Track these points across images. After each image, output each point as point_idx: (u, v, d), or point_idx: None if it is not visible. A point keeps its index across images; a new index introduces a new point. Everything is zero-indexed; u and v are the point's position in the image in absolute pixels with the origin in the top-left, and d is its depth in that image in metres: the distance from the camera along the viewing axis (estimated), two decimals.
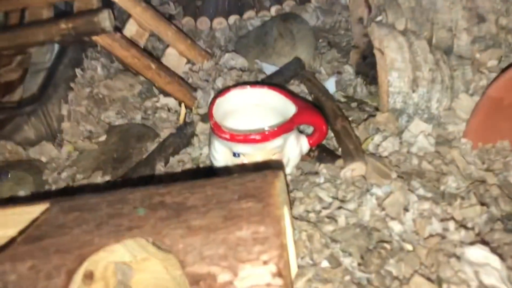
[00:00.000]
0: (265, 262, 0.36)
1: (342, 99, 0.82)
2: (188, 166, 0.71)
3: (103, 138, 0.79)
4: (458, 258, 0.45)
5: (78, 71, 0.88)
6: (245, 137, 0.62)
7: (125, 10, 0.85)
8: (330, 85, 0.85)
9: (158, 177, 0.68)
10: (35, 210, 0.48)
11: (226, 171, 0.65)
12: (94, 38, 0.73)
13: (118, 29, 0.77)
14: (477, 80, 0.66)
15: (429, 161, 0.63)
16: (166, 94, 0.83)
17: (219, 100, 0.69)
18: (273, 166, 0.59)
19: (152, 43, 1.00)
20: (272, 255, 0.36)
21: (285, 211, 0.46)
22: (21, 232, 0.43)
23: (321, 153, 0.69)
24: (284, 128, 0.63)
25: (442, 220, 0.52)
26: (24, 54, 0.86)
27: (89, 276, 0.47)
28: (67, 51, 0.88)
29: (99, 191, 0.49)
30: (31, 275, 0.38)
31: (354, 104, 0.79)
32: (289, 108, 0.67)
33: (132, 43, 0.77)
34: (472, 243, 0.46)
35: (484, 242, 0.49)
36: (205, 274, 0.36)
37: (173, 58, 0.91)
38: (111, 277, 0.50)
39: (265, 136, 0.62)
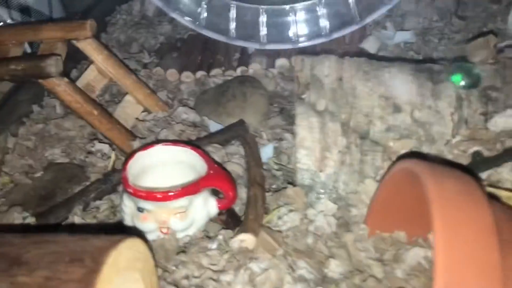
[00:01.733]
0: None
1: (274, 167, 0.84)
2: (105, 213, 0.74)
3: (39, 174, 0.83)
4: None
5: (35, 107, 0.93)
6: (147, 194, 0.65)
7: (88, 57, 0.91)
8: (268, 150, 0.87)
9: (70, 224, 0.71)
10: None
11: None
12: (41, 81, 0.78)
13: (67, 75, 0.81)
14: (385, 168, 0.67)
15: (324, 242, 0.63)
16: (109, 140, 0.87)
17: (139, 154, 0.72)
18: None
19: (118, 88, 1.05)
20: None
21: (130, 278, 0.47)
22: None
23: (228, 217, 0.70)
24: (188, 189, 0.65)
25: None
26: None
27: None
28: (29, 86, 0.94)
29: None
30: None
31: (279, 173, 0.81)
32: (204, 169, 0.70)
33: (77, 89, 0.82)
34: None
35: None
36: None
37: (129, 105, 0.95)
38: None
39: (167, 195, 0.64)
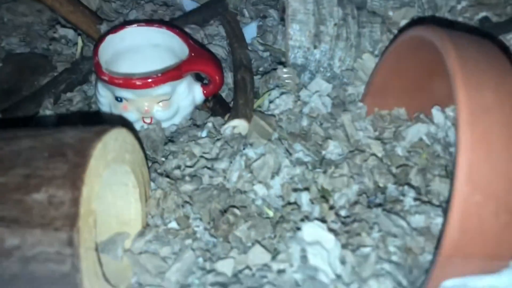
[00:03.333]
0: (56, 229, 0.34)
1: (260, 47, 0.77)
2: (79, 105, 0.68)
3: None
4: (295, 233, 0.43)
5: None
6: (124, 81, 0.58)
7: None
8: (251, 30, 0.79)
9: (41, 117, 0.65)
10: None
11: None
12: None
13: None
14: (384, 41, 0.62)
15: (320, 124, 0.60)
16: (72, 25, 0.77)
17: (110, 37, 0.64)
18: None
19: None
20: (65, 222, 0.34)
21: (119, 170, 0.43)
22: None
23: (215, 104, 0.65)
24: (170, 75, 0.59)
25: (306, 188, 0.50)
26: None
27: None
28: None
29: None
30: None
31: (266, 54, 0.74)
32: (185, 52, 0.63)
33: None
34: (313, 219, 0.44)
35: (339, 217, 0.47)
36: None
37: None
38: None
39: (147, 82, 0.58)
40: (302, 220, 0.45)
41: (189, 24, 0.77)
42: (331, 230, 0.42)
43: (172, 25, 0.68)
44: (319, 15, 0.60)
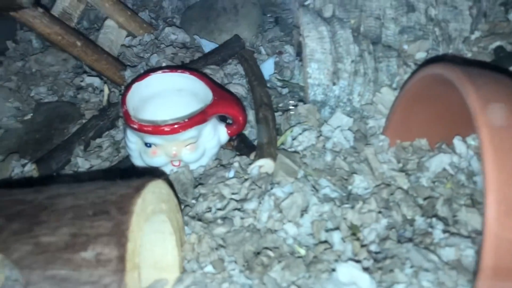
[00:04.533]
0: (105, 285, 0.36)
1: (278, 83, 0.79)
2: (109, 151, 0.70)
3: (29, 116, 0.77)
4: (330, 273, 0.44)
5: (9, 43, 0.85)
6: (153, 128, 0.60)
7: None
8: (269, 66, 0.82)
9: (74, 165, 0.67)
10: None
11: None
12: (13, 14, 0.70)
13: (39, 4, 0.73)
14: (401, 74, 0.63)
15: (343, 158, 0.61)
16: (96, 72, 0.80)
17: (136, 85, 0.66)
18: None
19: (95, 13, 0.96)
20: (113, 279, 0.36)
21: (156, 220, 0.45)
22: None
23: (239, 143, 0.67)
24: (196, 119, 0.61)
25: (335, 228, 0.51)
26: None
27: None
28: None
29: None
30: None
31: (285, 90, 0.76)
32: (208, 96, 0.65)
33: (55, 19, 0.74)
34: (347, 259, 0.45)
35: (370, 254, 0.48)
36: None
37: (111, 31, 0.88)
38: None
39: (175, 128, 0.60)
40: (336, 260, 0.46)
41: (209, 65, 0.79)
42: (365, 269, 0.43)
43: (194, 69, 0.70)
44: (336, 53, 0.62)
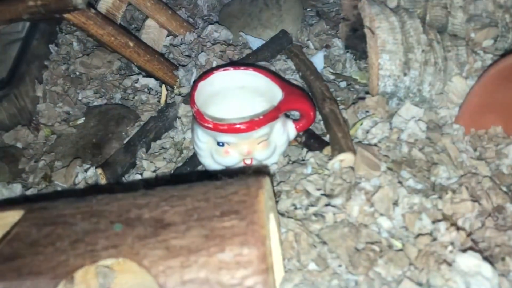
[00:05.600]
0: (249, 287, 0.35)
1: (331, 77, 0.79)
2: (171, 151, 0.69)
3: (81, 120, 0.75)
4: (449, 265, 0.44)
5: (52, 46, 0.83)
6: (229, 127, 0.59)
7: None
8: (319, 60, 0.81)
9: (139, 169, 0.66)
10: (7, 217, 0.45)
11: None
12: (66, 16, 0.68)
13: (91, 5, 0.71)
14: (471, 62, 0.63)
15: (420, 149, 0.60)
16: (146, 73, 0.79)
17: (201, 84, 0.65)
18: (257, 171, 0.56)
19: (131, 13, 0.94)
20: (257, 281, 0.35)
21: (271, 223, 0.44)
22: None
23: (308, 138, 0.66)
24: (270, 116, 0.60)
25: (432, 217, 0.51)
26: None
27: (69, 281, 0.45)
28: (39, 24, 0.83)
29: (77, 194, 0.47)
30: None
31: (343, 84, 0.76)
32: (275, 91, 0.64)
33: (108, 19, 0.72)
34: (464, 250, 0.45)
35: (475, 243, 0.48)
36: None
37: (153, 30, 0.86)
38: (92, 280, 0.49)
39: (250, 125, 0.59)
40: (451, 251, 0.45)
41: (259, 61, 0.78)
42: (485, 259, 0.43)
43: (258, 66, 0.69)
44: (407, 43, 0.62)
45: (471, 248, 0.45)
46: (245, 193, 0.39)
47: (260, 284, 0.35)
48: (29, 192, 0.65)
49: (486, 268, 0.42)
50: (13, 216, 0.45)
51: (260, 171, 0.50)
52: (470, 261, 0.42)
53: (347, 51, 0.81)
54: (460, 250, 0.45)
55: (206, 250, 0.36)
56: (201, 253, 0.36)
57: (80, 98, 0.79)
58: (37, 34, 0.81)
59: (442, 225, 0.48)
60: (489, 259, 0.45)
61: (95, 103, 0.78)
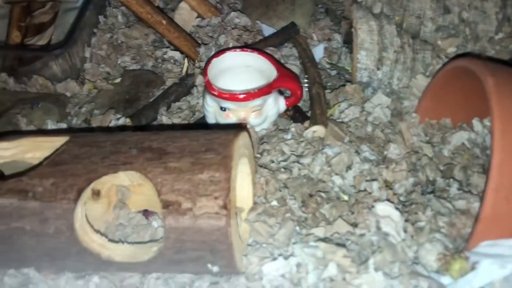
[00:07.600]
0: (216, 198, 0.51)
1: (326, 65, 0.93)
2: (186, 112, 0.85)
3: (118, 80, 0.93)
4: (370, 209, 0.59)
5: (101, 17, 1.01)
6: (230, 95, 0.75)
7: None
8: (319, 51, 0.96)
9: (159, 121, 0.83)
10: (58, 141, 0.63)
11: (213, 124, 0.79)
12: None
13: None
14: (434, 64, 0.77)
15: (381, 130, 0.75)
16: (174, 47, 0.95)
17: (214, 61, 0.81)
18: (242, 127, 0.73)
19: None
20: (221, 194, 0.51)
21: (241, 162, 0.60)
22: (47, 157, 0.58)
23: (295, 113, 0.82)
24: (263, 91, 0.76)
25: (373, 179, 0.66)
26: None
27: (96, 193, 0.63)
28: None
29: (109, 131, 0.64)
30: (52, 189, 0.54)
31: (334, 72, 0.90)
32: (273, 72, 0.80)
33: (147, 0, 0.89)
34: (384, 200, 0.60)
35: (401, 201, 0.63)
36: (174, 202, 0.52)
37: (185, 12, 1.02)
38: (113, 196, 0.66)
39: (247, 96, 0.75)
40: (375, 201, 0.60)
41: (268, 47, 0.94)
42: (396, 208, 0.58)
43: (261, 50, 0.85)
44: (382, 44, 0.76)
45: (388, 200, 0.60)
46: (225, 139, 0.56)
47: (223, 196, 0.51)
48: None
49: (395, 214, 0.57)
50: (61, 140, 0.63)
51: (244, 129, 0.66)
52: (384, 208, 0.57)
53: (345, 46, 0.95)
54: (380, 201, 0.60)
55: (191, 171, 0.53)
56: (187, 173, 0.53)
57: (119, 62, 0.96)
58: (91, 6, 0.98)
59: (375, 184, 0.63)
60: (404, 211, 0.60)
61: (131, 68, 0.96)
